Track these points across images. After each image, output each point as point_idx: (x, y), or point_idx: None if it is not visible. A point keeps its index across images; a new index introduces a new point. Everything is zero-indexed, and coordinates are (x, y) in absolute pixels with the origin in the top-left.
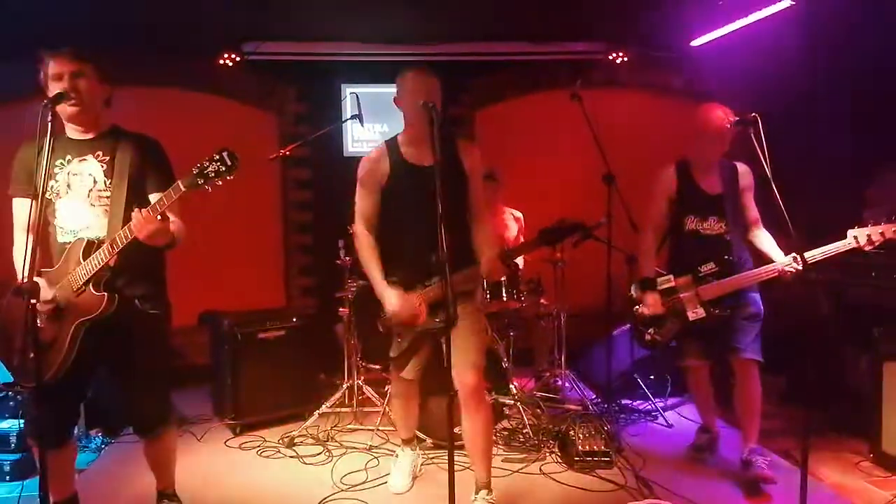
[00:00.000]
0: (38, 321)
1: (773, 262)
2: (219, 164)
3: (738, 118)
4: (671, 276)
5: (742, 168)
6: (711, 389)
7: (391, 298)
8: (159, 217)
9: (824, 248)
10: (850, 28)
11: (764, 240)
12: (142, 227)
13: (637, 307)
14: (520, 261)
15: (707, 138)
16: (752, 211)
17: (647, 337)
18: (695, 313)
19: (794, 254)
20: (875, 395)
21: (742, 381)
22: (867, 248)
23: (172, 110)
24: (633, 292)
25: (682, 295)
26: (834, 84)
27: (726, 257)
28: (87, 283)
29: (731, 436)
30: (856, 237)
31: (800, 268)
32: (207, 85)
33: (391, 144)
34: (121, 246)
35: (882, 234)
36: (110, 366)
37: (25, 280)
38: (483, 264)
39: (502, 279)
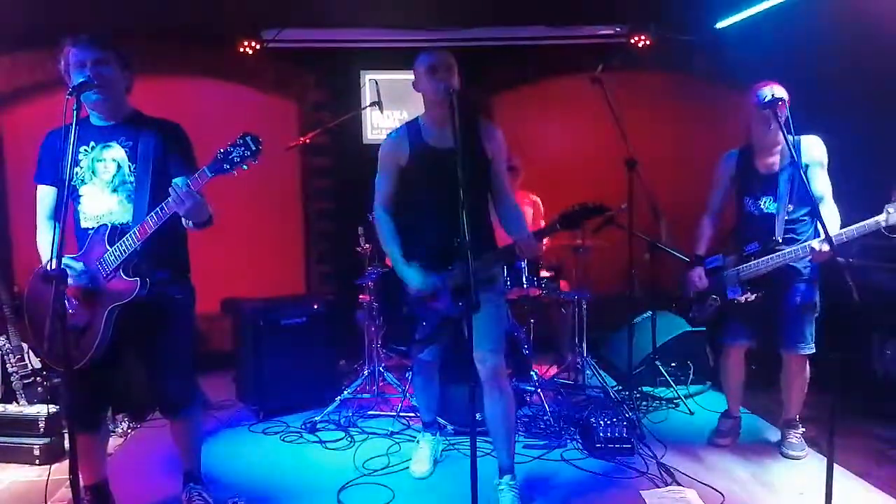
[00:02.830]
0: (69, 306)
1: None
2: (243, 148)
3: (764, 101)
4: (720, 255)
5: (808, 141)
6: (743, 374)
7: (412, 277)
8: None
9: (859, 224)
10: (882, 6)
11: (825, 216)
12: (181, 202)
13: (682, 288)
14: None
15: (755, 118)
16: (817, 186)
17: (691, 314)
18: (733, 292)
19: (823, 236)
20: None
21: (792, 372)
22: None
23: (192, 98)
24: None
25: (726, 273)
26: (865, 64)
27: (772, 237)
28: (117, 268)
29: (753, 422)
30: (890, 212)
31: (826, 249)
32: (227, 73)
33: (412, 126)
34: (152, 229)
35: None
36: (137, 349)
37: (53, 266)
38: (518, 242)
39: (522, 265)
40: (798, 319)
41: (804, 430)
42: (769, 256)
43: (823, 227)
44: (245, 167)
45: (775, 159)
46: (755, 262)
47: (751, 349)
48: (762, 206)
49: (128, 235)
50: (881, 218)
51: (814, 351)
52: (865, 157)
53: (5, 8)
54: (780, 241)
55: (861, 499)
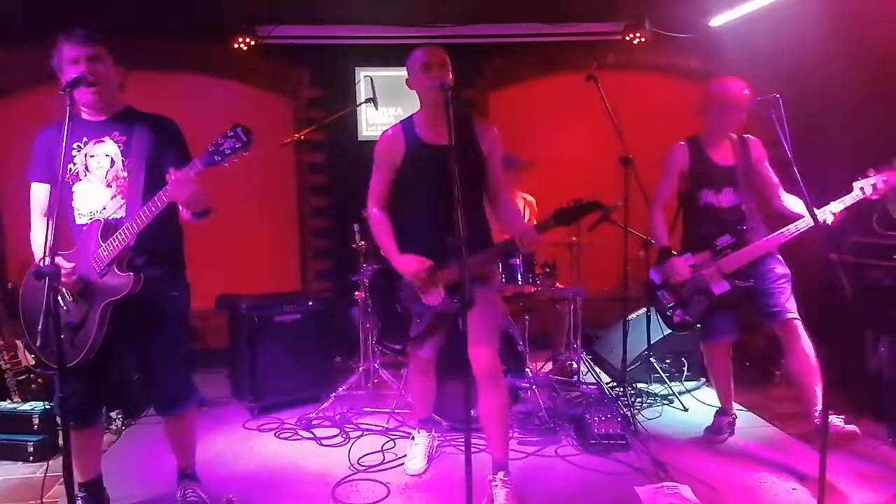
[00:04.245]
0: (63, 303)
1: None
2: (234, 140)
3: (759, 98)
4: (689, 255)
5: (752, 139)
6: (731, 370)
7: (408, 264)
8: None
9: (834, 203)
10: (876, 4)
11: (792, 202)
12: (181, 189)
13: (659, 292)
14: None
15: (728, 109)
16: (773, 177)
17: (677, 319)
18: (720, 287)
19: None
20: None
21: (791, 342)
22: (874, 197)
23: (186, 95)
24: (652, 274)
25: (703, 272)
26: (858, 62)
27: (741, 227)
28: (110, 263)
29: (747, 419)
30: (862, 188)
31: (822, 221)
32: (221, 69)
33: (407, 124)
34: (146, 222)
35: (886, 181)
36: (132, 346)
37: (46, 263)
38: (518, 235)
39: (517, 262)
40: (784, 288)
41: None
42: (753, 244)
43: (809, 205)
44: (236, 159)
45: (729, 151)
46: (734, 253)
47: (735, 343)
48: (722, 198)
49: (121, 230)
50: (855, 193)
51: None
52: (857, 153)
53: None
54: (749, 230)
55: (853, 494)
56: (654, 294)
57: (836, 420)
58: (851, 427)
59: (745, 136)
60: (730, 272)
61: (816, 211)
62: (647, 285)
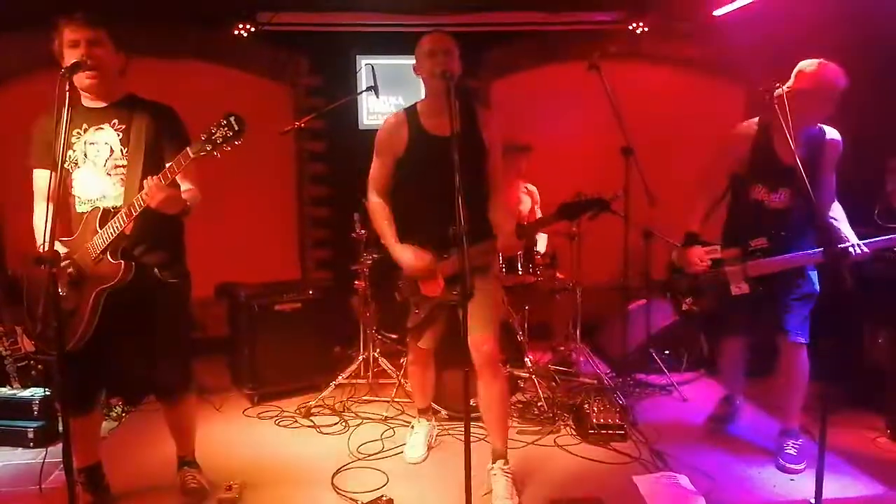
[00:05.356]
0: (60, 289)
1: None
2: (226, 129)
3: (760, 88)
4: (717, 247)
5: (831, 140)
6: (743, 364)
7: (406, 255)
8: (169, 184)
9: (883, 237)
10: None
11: (839, 218)
12: (153, 196)
13: (675, 274)
14: (542, 241)
15: (818, 98)
16: (830, 185)
17: (685, 307)
18: (738, 288)
19: (857, 242)
20: (894, 371)
21: (788, 362)
22: None
23: (186, 82)
24: (673, 256)
25: (727, 268)
26: (865, 53)
27: (781, 233)
28: (104, 251)
29: (750, 409)
30: None
31: (858, 253)
32: (221, 57)
33: (410, 112)
34: (135, 214)
35: None
36: (132, 333)
37: (46, 249)
38: (500, 240)
39: (518, 253)
40: (802, 308)
41: (802, 441)
42: (785, 256)
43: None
44: (228, 148)
45: (800, 150)
46: (764, 259)
47: (750, 341)
48: (775, 198)
49: (115, 218)
50: None
51: (807, 342)
52: (864, 145)
53: None
54: (790, 237)
55: (849, 485)
56: (672, 275)
57: (791, 450)
58: (798, 467)
59: (825, 131)
60: (754, 276)
61: (852, 241)
62: (668, 265)
